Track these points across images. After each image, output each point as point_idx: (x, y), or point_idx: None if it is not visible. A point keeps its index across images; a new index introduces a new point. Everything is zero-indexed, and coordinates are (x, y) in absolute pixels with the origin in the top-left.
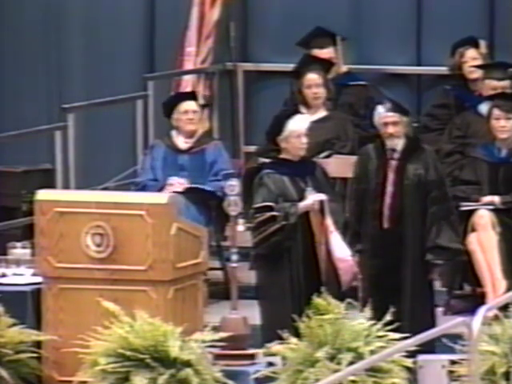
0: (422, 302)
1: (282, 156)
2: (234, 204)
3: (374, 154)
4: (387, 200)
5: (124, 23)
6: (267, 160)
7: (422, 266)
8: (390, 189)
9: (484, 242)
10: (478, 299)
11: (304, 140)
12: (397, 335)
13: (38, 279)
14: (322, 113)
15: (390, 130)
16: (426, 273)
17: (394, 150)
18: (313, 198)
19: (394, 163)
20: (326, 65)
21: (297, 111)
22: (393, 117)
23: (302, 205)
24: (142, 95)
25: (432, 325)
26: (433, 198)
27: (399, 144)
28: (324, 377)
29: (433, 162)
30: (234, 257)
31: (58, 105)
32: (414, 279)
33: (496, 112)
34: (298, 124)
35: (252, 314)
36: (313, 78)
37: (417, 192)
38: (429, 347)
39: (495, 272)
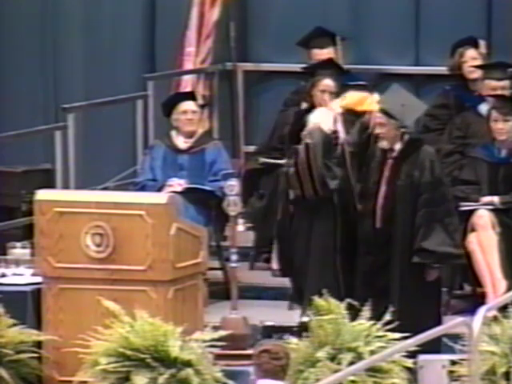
0: (415, 303)
1: None
2: (233, 204)
3: (378, 153)
4: (380, 200)
5: (124, 23)
6: (268, 160)
7: (411, 267)
8: (383, 188)
9: (484, 242)
10: (478, 299)
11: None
12: (397, 335)
13: (38, 279)
14: None
15: (377, 130)
16: (418, 274)
17: (392, 150)
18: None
19: (390, 163)
20: (343, 73)
21: (314, 107)
22: (380, 118)
23: None
24: (141, 95)
25: (433, 325)
26: (423, 200)
27: (398, 144)
28: (324, 377)
29: (429, 164)
30: (234, 257)
31: (57, 105)
32: (402, 280)
33: (494, 114)
34: (320, 117)
35: (252, 314)
36: (330, 84)
37: (409, 193)
38: (434, 347)
39: (495, 272)
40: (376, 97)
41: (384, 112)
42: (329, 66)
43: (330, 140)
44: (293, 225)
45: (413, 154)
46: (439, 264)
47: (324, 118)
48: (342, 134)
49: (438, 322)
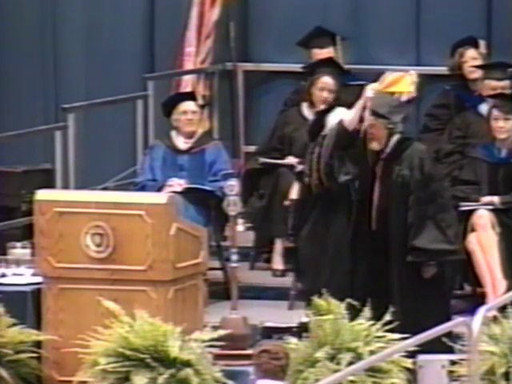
0: (417, 303)
1: None
2: (233, 204)
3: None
4: (375, 201)
5: (124, 23)
6: (268, 160)
7: (408, 266)
8: (377, 190)
9: (483, 242)
10: (478, 299)
11: None
12: (396, 336)
13: (38, 279)
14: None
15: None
16: (416, 273)
17: (383, 151)
18: None
19: (381, 164)
20: (342, 72)
21: (334, 106)
22: (368, 120)
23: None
24: (141, 95)
25: (441, 324)
26: (414, 200)
27: (389, 145)
28: (324, 377)
29: (418, 162)
30: (234, 257)
31: (57, 105)
32: (401, 280)
33: (495, 113)
34: (344, 114)
35: (252, 314)
36: (328, 82)
37: (401, 193)
38: (442, 347)
39: (495, 272)
40: (413, 75)
41: (372, 112)
42: (328, 64)
43: (349, 135)
44: (310, 219)
45: (403, 154)
46: (433, 261)
47: (347, 114)
48: (367, 120)
49: (447, 320)
